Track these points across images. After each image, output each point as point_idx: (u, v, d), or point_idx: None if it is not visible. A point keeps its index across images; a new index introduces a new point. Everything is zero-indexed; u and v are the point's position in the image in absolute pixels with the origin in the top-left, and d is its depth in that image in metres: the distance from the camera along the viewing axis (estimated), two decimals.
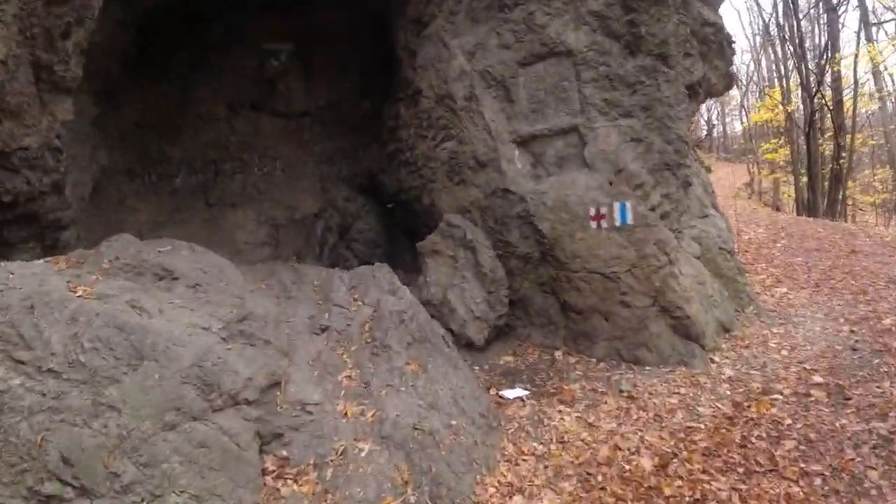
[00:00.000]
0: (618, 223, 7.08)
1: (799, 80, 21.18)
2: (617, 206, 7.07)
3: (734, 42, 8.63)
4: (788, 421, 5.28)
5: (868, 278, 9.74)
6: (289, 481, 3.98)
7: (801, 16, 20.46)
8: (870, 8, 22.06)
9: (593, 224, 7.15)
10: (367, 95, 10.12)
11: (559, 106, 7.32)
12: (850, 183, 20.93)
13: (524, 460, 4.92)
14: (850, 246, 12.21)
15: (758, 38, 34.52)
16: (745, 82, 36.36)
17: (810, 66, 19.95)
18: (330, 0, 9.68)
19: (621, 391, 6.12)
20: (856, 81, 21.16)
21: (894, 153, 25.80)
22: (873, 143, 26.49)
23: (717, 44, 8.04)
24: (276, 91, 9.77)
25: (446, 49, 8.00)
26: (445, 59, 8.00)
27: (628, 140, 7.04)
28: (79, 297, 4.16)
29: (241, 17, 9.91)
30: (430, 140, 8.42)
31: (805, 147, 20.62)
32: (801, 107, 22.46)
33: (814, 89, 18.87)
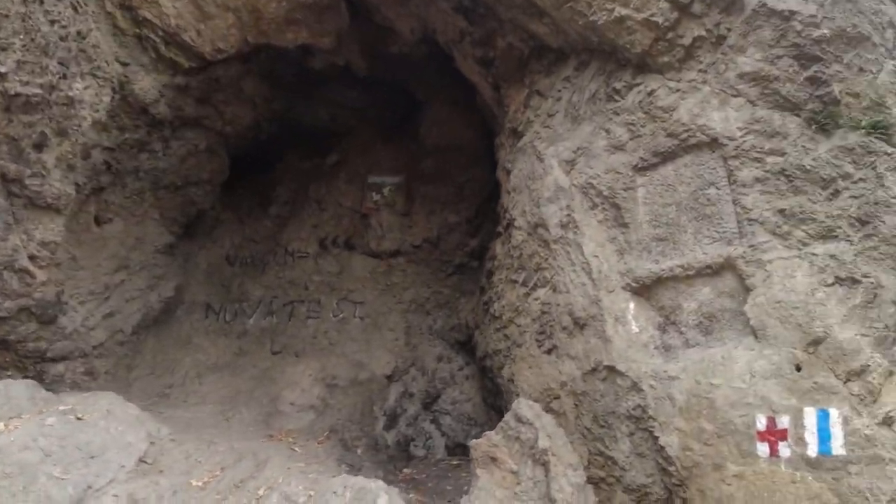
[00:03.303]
0: (813, 451, 3.60)
1: None
2: (812, 414, 3.63)
3: None
4: None
5: None
6: None
7: None
8: None
9: (762, 448, 3.74)
10: (477, 232, 8.02)
11: (701, 228, 4.34)
12: None
13: None
14: None
15: None
16: None
17: None
18: (445, 118, 8.19)
19: None
20: None
21: None
22: None
23: None
24: (369, 227, 8.22)
25: (540, 161, 5.63)
26: (540, 175, 5.60)
27: (830, 282, 3.74)
28: None
29: (351, 146, 8.85)
30: (520, 286, 5.84)
31: None
32: None
33: None
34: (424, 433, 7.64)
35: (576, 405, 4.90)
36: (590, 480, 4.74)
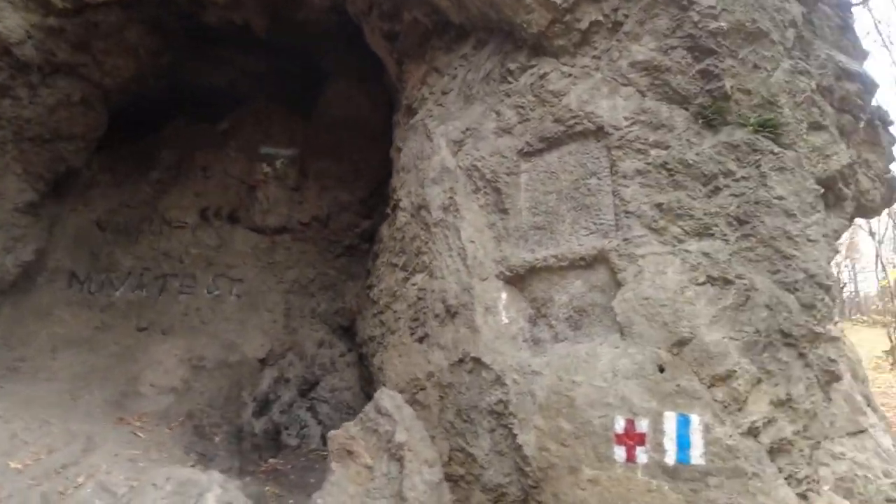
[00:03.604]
0: (671, 458, 3.43)
1: None
2: (672, 419, 3.47)
3: (892, 123, 4.94)
4: None
5: None
6: None
7: None
8: None
9: (619, 452, 3.55)
10: (371, 214, 7.61)
11: (580, 218, 4.13)
12: None
13: None
14: None
15: None
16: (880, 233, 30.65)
17: None
18: (350, 93, 7.73)
19: None
20: None
21: None
22: None
23: (865, 119, 4.45)
24: (255, 200, 7.62)
25: (429, 140, 5.30)
26: (427, 155, 5.28)
27: (702, 281, 3.60)
28: None
29: (246, 113, 8.22)
30: (399, 270, 5.49)
31: None
32: None
33: None
34: (299, 421, 7.17)
35: (441, 397, 4.61)
36: (449, 478, 4.47)
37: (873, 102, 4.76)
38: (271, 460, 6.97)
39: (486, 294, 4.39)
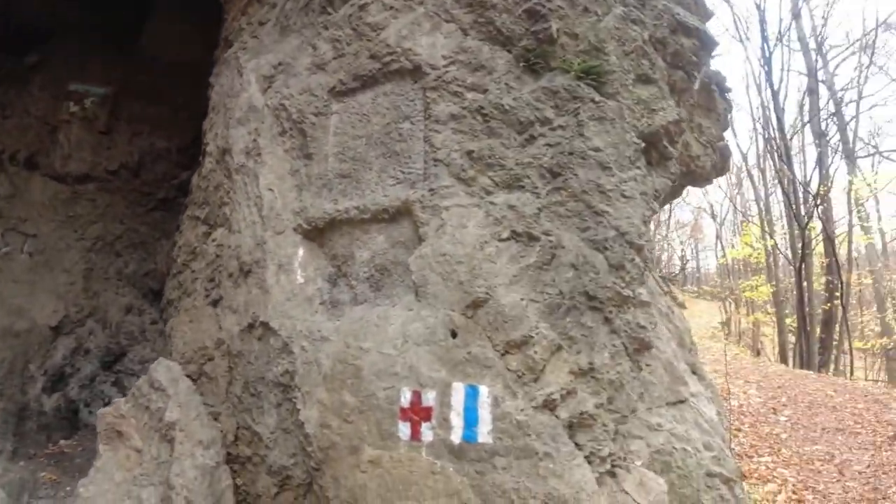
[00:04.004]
0: (457, 436, 3.03)
1: (786, 212, 19.16)
2: (460, 391, 3.07)
3: (730, 90, 4.91)
4: None
5: None
6: None
7: (787, 140, 18.81)
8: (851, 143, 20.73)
9: (404, 429, 3.11)
10: (191, 164, 6.72)
11: (388, 166, 3.64)
12: (841, 326, 18.04)
13: None
14: (885, 421, 8.45)
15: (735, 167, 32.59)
16: (721, 215, 34.21)
17: (800, 195, 17.96)
18: (177, 30, 6.76)
19: None
20: (850, 211, 19.48)
21: (882, 294, 24.00)
22: (867, 281, 24.77)
23: (699, 79, 4.33)
24: (56, 143, 6.50)
25: (240, 76, 4.60)
26: (237, 92, 4.58)
27: (505, 237, 3.23)
28: None
29: (58, 47, 7.01)
30: (200, 224, 4.77)
31: (795, 286, 18.43)
32: (787, 241, 20.80)
33: (805, 220, 16.69)
34: (103, 397, 6.26)
35: (230, 368, 4.00)
36: (235, 459, 3.89)
37: (713, 67, 4.65)
38: (62, 441, 6.05)
39: (281, 250, 3.81)
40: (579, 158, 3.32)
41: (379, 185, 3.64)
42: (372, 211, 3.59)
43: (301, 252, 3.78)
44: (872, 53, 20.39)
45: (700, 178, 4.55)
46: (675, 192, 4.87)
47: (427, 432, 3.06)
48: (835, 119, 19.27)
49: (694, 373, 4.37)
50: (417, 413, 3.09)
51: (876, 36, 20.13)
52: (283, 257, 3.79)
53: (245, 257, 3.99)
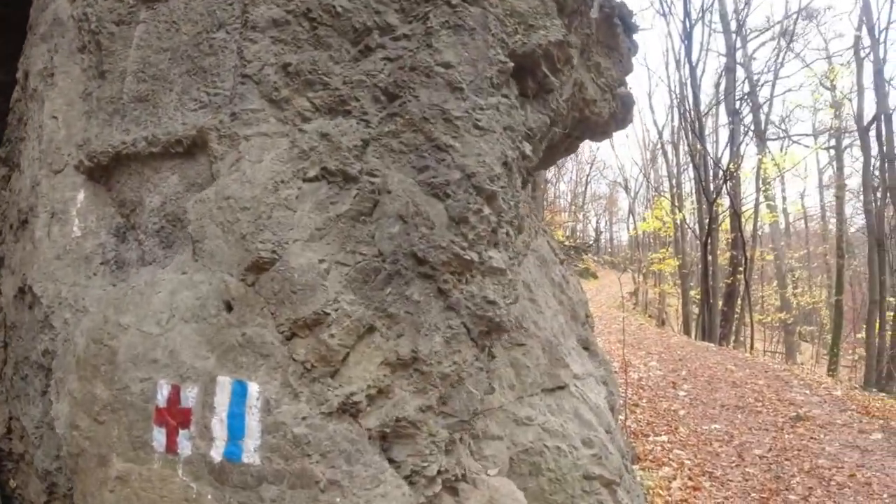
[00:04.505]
0: (219, 451, 2.20)
1: (696, 187, 19.51)
2: (226, 388, 2.21)
3: (637, 29, 3.91)
4: None
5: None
6: None
7: (702, 116, 19.05)
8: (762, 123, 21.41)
9: (159, 436, 2.27)
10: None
11: (191, 86, 2.71)
12: (743, 300, 18.69)
13: None
14: (786, 400, 8.33)
15: (649, 142, 32.95)
16: (634, 189, 35.03)
17: (710, 172, 18.05)
18: None
19: None
20: (758, 189, 19.72)
21: (783, 271, 24.35)
22: (769, 258, 25.50)
23: (601, 9, 3.34)
24: None
25: None
26: (46, 4, 3.62)
27: (311, 176, 2.36)
28: None
29: None
30: (2, 166, 3.86)
31: (700, 259, 19.13)
32: (696, 215, 21.26)
33: (713, 195, 16.81)
34: None
35: (5, 344, 3.16)
36: (9, 457, 3.09)
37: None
38: None
39: (56, 193, 2.93)
40: (423, 76, 2.41)
41: (178, 111, 2.72)
42: (163, 142, 2.68)
43: (81, 196, 2.90)
44: (790, 40, 20.43)
45: (597, 127, 3.66)
46: (569, 146, 4.00)
47: (185, 443, 2.22)
48: (749, 100, 19.20)
49: (586, 349, 3.53)
50: (175, 416, 2.25)
51: (796, 22, 20.15)
52: (57, 203, 2.91)
53: (23, 203, 3.11)
